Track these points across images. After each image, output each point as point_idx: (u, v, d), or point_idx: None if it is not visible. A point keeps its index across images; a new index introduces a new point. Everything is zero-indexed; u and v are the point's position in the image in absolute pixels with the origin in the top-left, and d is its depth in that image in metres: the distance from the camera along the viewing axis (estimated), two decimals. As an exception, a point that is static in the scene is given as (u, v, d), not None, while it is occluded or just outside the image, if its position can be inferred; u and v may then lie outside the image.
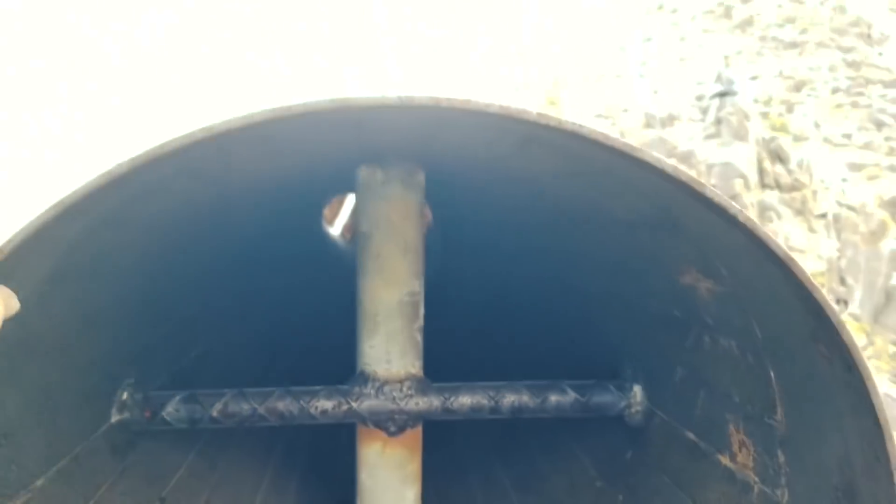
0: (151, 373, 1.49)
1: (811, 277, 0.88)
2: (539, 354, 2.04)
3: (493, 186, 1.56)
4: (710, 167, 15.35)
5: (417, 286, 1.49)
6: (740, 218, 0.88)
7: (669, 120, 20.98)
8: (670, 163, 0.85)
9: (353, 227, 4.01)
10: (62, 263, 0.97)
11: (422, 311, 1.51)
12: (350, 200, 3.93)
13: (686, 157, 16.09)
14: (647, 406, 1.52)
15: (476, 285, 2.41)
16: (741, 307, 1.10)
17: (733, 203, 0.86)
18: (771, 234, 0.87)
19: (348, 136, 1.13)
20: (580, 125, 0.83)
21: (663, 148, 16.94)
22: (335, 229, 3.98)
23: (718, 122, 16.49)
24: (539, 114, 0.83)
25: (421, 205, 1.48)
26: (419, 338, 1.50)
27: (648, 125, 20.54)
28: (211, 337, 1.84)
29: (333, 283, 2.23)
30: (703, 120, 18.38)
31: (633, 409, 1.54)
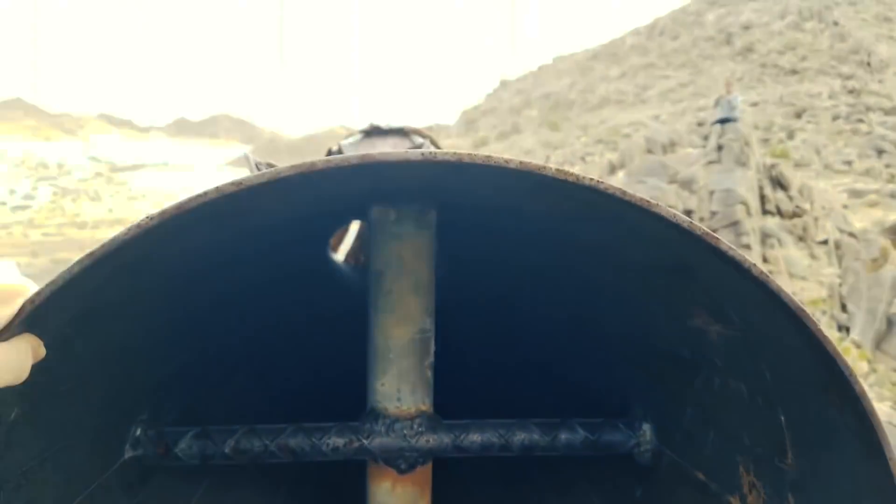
0: (164, 408, 1.50)
1: (822, 330, 0.89)
2: (547, 390, 2.05)
3: (504, 224, 1.57)
4: (711, 193, 15.42)
5: (429, 323, 1.49)
6: (754, 272, 0.90)
7: (671, 145, 21.11)
8: (685, 217, 0.87)
9: (356, 254, 4.04)
10: (84, 307, 0.98)
11: (433, 347, 1.51)
12: (355, 227, 3.96)
13: (687, 183, 16.16)
14: (657, 445, 1.52)
15: (484, 320, 2.42)
16: (751, 352, 1.11)
17: (746, 257, 0.88)
18: (783, 287, 0.89)
19: (365, 181, 1.15)
20: (598, 181, 0.85)
21: (665, 173, 17.02)
22: (340, 255, 4.00)
23: (720, 148, 16.59)
24: (557, 170, 0.86)
25: (432, 243, 1.49)
26: (430, 374, 1.50)
27: (650, 150, 20.66)
28: (221, 371, 1.85)
29: (340, 317, 2.24)
30: (704, 146, 18.50)
31: (642, 448, 1.53)
